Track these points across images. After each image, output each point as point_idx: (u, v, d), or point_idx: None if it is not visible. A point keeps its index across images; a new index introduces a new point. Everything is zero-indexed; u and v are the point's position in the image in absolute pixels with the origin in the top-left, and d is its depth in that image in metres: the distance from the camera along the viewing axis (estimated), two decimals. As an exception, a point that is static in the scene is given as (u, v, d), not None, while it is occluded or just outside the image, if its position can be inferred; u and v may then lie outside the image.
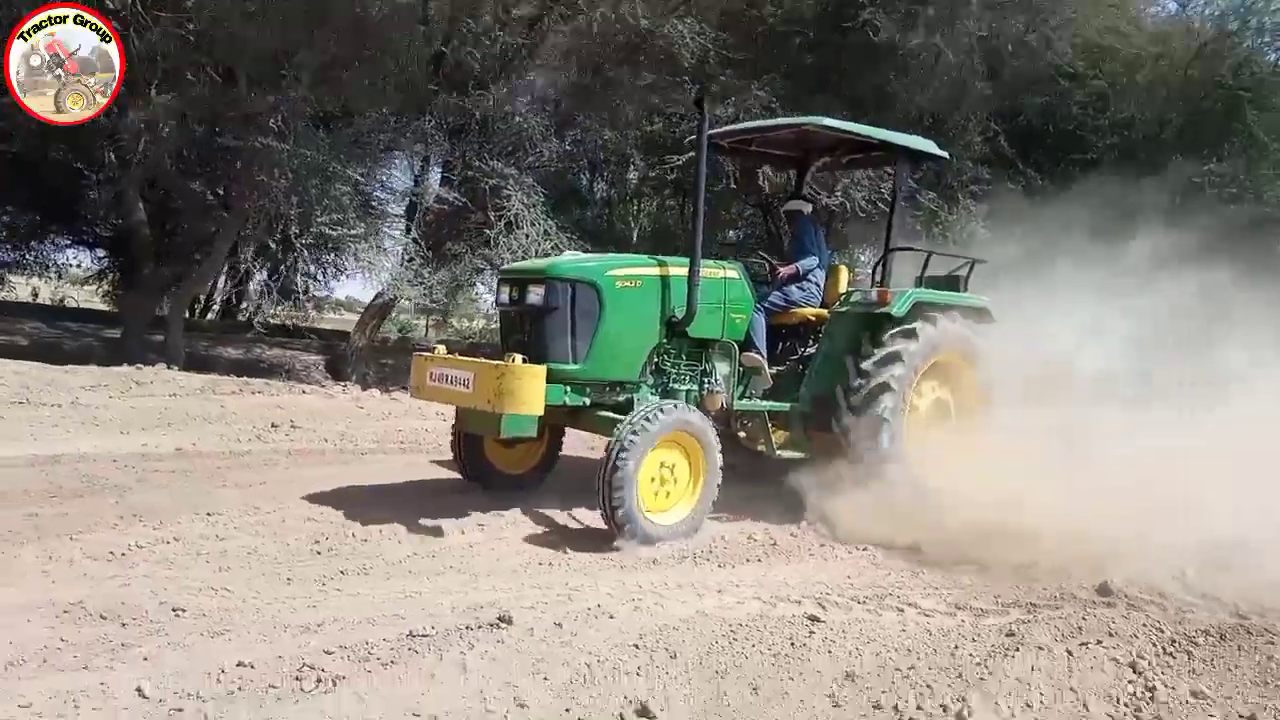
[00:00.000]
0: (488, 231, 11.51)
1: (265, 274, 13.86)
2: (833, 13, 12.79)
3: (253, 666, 3.14)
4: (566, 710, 3.02)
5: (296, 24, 10.05)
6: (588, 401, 5.50)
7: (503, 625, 3.57)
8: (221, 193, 10.66)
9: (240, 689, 3.01)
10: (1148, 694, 3.23)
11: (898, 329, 6.02)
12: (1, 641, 3.22)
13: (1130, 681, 3.34)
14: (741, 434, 6.21)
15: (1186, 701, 3.19)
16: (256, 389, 9.69)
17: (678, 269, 5.62)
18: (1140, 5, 14.92)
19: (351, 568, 4.49)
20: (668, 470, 5.21)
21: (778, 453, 6.10)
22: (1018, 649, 3.54)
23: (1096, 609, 4.13)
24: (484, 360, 5.25)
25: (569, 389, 5.35)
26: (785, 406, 6.14)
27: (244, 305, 18.05)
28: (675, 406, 5.24)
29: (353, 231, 10.48)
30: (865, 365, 5.95)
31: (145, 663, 3.16)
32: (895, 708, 3.06)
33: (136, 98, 10.40)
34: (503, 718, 2.95)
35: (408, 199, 12.68)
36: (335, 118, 10.98)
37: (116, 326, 13.61)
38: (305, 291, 12.31)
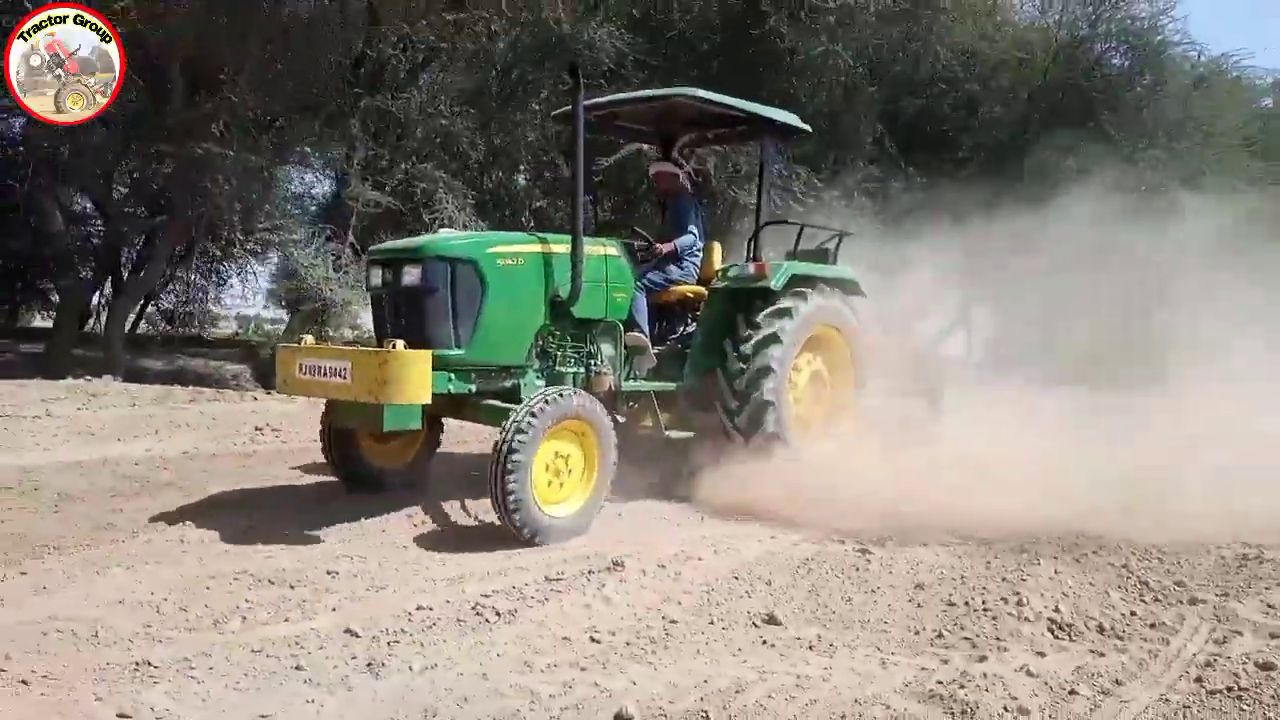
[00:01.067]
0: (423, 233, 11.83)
1: (189, 282, 13.64)
2: (739, 20, 13.70)
3: (431, 609, 3.66)
4: (710, 622, 3.67)
5: (231, 29, 10.14)
6: (473, 389, 5.25)
7: (618, 568, 4.19)
8: (162, 201, 10.55)
9: (434, 624, 3.52)
10: (1142, 585, 4.14)
11: (774, 308, 6.06)
12: (198, 605, 3.61)
13: (1124, 574, 4.26)
14: (620, 419, 5.97)
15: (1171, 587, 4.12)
16: (210, 398, 9.76)
17: (559, 246, 5.47)
18: (1005, 11, 16.40)
19: (451, 536, 4.93)
20: (562, 460, 5.00)
21: (667, 433, 6.12)
22: (1039, 560, 4.41)
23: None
24: (361, 348, 4.96)
25: (453, 376, 5.08)
26: (672, 386, 6.11)
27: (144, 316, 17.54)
28: (567, 394, 4.98)
29: (294, 236, 10.62)
30: (745, 348, 5.98)
31: (335, 613, 3.62)
32: (966, 603, 3.85)
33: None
34: (661, 630, 3.57)
35: (339, 202, 12.80)
36: (266, 123, 11.07)
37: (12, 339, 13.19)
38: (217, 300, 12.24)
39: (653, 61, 13.38)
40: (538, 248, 5.45)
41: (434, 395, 4.79)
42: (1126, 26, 15.66)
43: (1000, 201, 13.02)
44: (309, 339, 5.42)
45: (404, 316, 5.10)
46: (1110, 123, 15.54)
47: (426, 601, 3.70)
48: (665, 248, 6.29)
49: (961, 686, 3.00)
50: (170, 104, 10.28)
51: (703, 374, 6.14)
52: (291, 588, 3.88)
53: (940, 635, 3.51)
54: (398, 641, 3.33)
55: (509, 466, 4.56)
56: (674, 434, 6.18)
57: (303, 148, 11.53)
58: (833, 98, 14.41)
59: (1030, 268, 11.86)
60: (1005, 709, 2.85)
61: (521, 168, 14.70)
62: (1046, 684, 3.04)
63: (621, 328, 5.89)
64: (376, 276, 5.29)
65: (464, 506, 5.42)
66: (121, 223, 11.76)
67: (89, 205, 12.09)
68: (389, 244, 5.90)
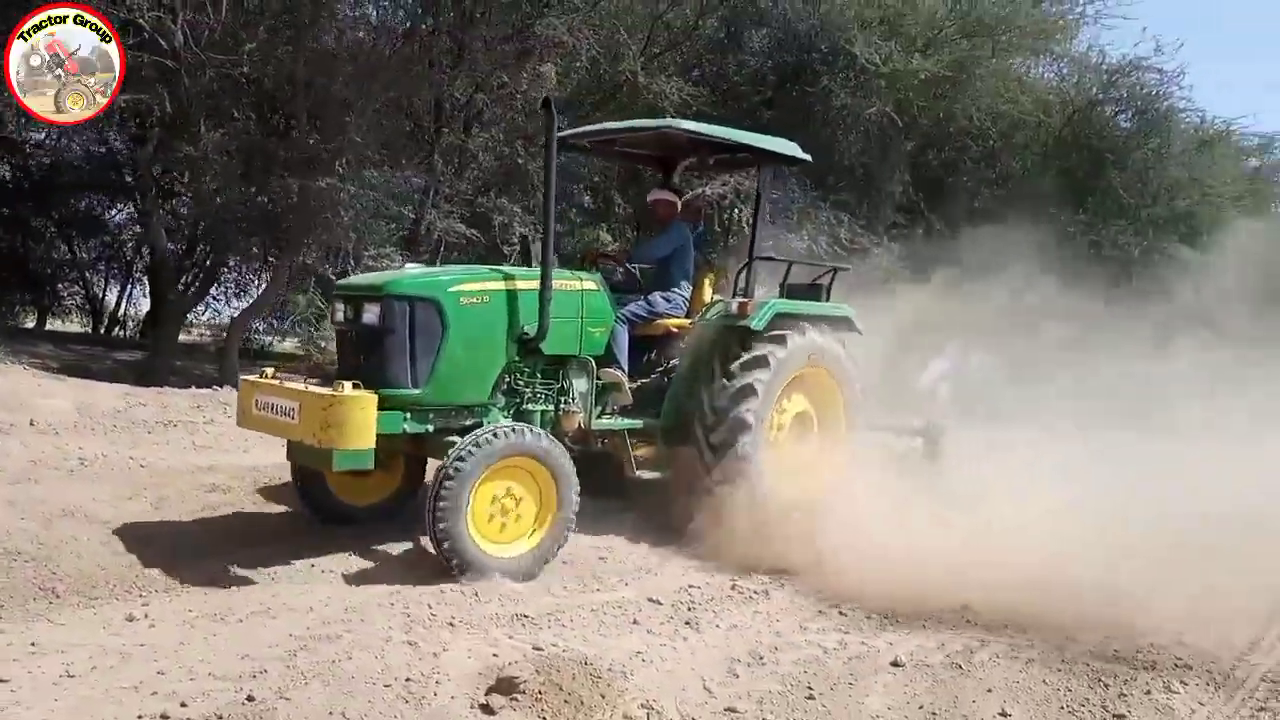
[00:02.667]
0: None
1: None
2: (792, 77, 15.09)
3: (696, 587, 4.91)
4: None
5: (348, 73, 11.36)
6: (431, 429, 5.22)
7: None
8: (281, 228, 11.67)
9: (711, 597, 4.76)
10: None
11: (750, 356, 6.02)
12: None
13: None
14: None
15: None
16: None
17: (528, 283, 5.42)
18: (1024, 72, 17.89)
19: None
20: (511, 500, 4.99)
21: (637, 473, 6.06)
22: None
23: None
24: (310, 389, 4.89)
25: (409, 415, 5.06)
26: (640, 424, 6.06)
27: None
28: (514, 431, 4.95)
29: (394, 264, 11.77)
30: (719, 401, 5.96)
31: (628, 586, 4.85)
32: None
33: (184, 132, 11.38)
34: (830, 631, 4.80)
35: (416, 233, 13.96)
36: (378, 160, 12.24)
37: (102, 347, 14.23)
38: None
39: (711, 111, 14.70)
40: (504, 285, 5.40)
41: (390, 435, 4.91)
42: (1136, 93, 17.19)
43: (1011, 250, 14.52)
44: (269, 372, 5.39)
45: (362, 354, 5.16)
46: (1118, 181, 17.12)
47: (694, 581, 4.93)
48: (619, 257, 6.53)
49: None
50: (291, 138, 11.40)
51: (679, 409, 6.14)
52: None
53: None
54: (695, 606, 4.56)
55: (442, 497, 4.65)
56: (644, 474, 6.12)
57: (399, 179, 12.64)
58: (869, 150, 15.84)
59: (1036, 314, 13.33)
60: None
61: (586, 202, 15.97)
62: None
63: (594, 364, 5.85)
64: (340, 312, 5.36)
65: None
66: (225, 244, 12.84)
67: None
68: (352, 279, 5.91)
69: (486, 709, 3.65)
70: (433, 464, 5.71)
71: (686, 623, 4.62)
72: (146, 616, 4.27)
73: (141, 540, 5.14)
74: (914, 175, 16.79)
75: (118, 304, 20.60)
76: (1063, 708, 3.91)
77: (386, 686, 3.71)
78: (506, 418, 5.50)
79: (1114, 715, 3.84)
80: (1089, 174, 17.32)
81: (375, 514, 5.84)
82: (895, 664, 4.26)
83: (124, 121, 12.27)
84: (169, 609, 4.42)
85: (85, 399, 8.65)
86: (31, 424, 7.46)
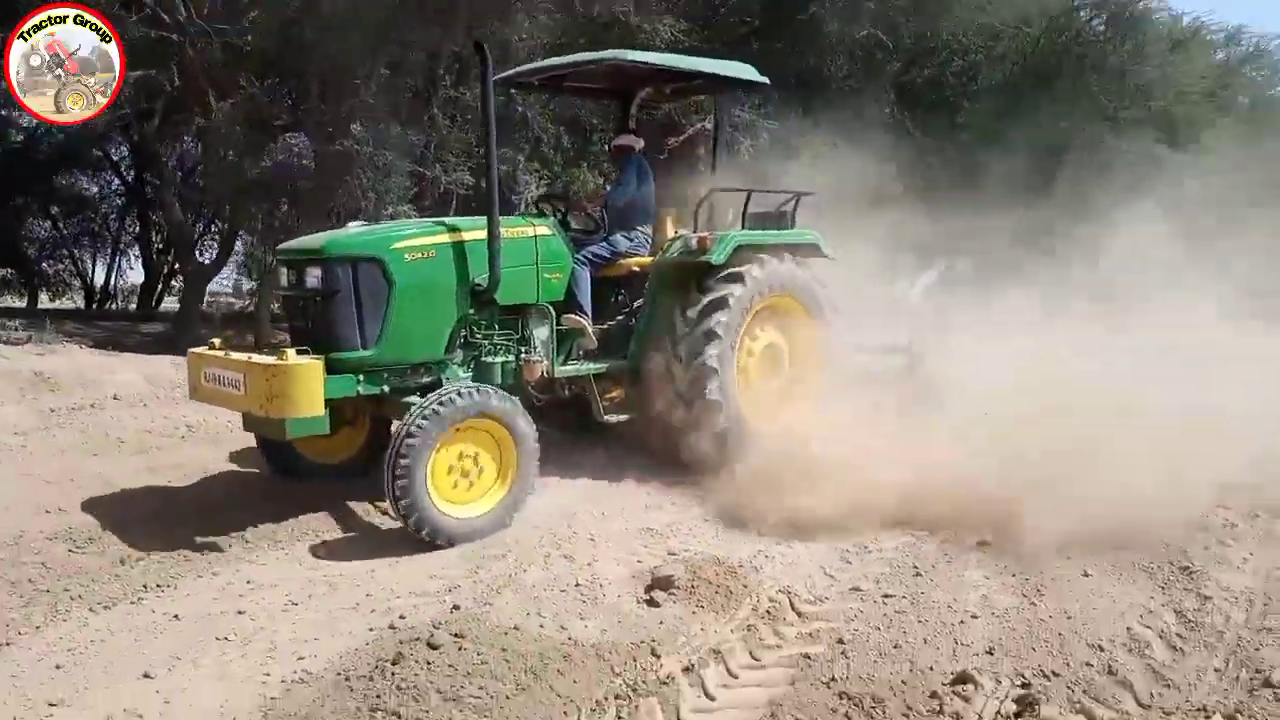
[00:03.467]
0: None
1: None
2: (775, 5, 15.37)
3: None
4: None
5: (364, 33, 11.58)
6: (386, 389, 5.16)
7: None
8: (299, 193, 11.97)
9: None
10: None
11: (708, 300, 5.91)
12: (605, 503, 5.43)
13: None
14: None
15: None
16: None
17: (476, 233, 5.30)
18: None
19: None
20: (470, 460, 4.94)
21: (605, 417, 5.99)
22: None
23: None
24: (254, 358, 4.79)
25: (361, 378, 5.00)
26: (604, 367, 6.01)
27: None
28: (473, 392, 4.89)
29: (411, 219, 12.14)
30: (690, 313, 5.89)
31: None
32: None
33: (193, 104, 11.60)
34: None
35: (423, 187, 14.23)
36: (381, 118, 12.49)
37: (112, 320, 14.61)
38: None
39: (701, 46, 14.98)
40: (449, 237, 5.28)
41: (344, 398, 4.90)
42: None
43: (996, 160, 15.10)
44: (216, 343, 5.27)
45: (310, 318, 5.07)
46: (1096, 85, 17.62)
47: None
48: (591, 201, 6.46)
49: None
50: (308, 104, 11.66)
51: (645, 350, 6.07)
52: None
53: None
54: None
55: (398, 471, 4.58)
56: (612, 418, 6.06)
57: (407, 137, 12.92)
58: (855, 73, 16.21)
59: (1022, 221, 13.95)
60: None
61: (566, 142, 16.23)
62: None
63: (553, 311, 5.78)
64: (284, 276, 5.31)
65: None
66: (242, 211, 13.11)
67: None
68: (293, 243, 5.62)
69: (651, 602, 4.30)
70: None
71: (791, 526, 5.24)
72: (330, 554, 4.86)
73: (289, 490, 5.63)
74: (899, 95, 17.20)
75: (107, 278, 20.73)
76: (1133, 564, 4.63)
77: (562, 591, 4.35)
78: (466, 372, 5.48)
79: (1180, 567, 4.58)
80: (1067, 80, 17.76)
81: (346, 471, 5.78)
82: (982, 543, 4.94)
83: (132, 98, 12.39)
84: (347, 546, 5.01)
85: (149, 371, 9.05)
86: (116, 398, 7.88)
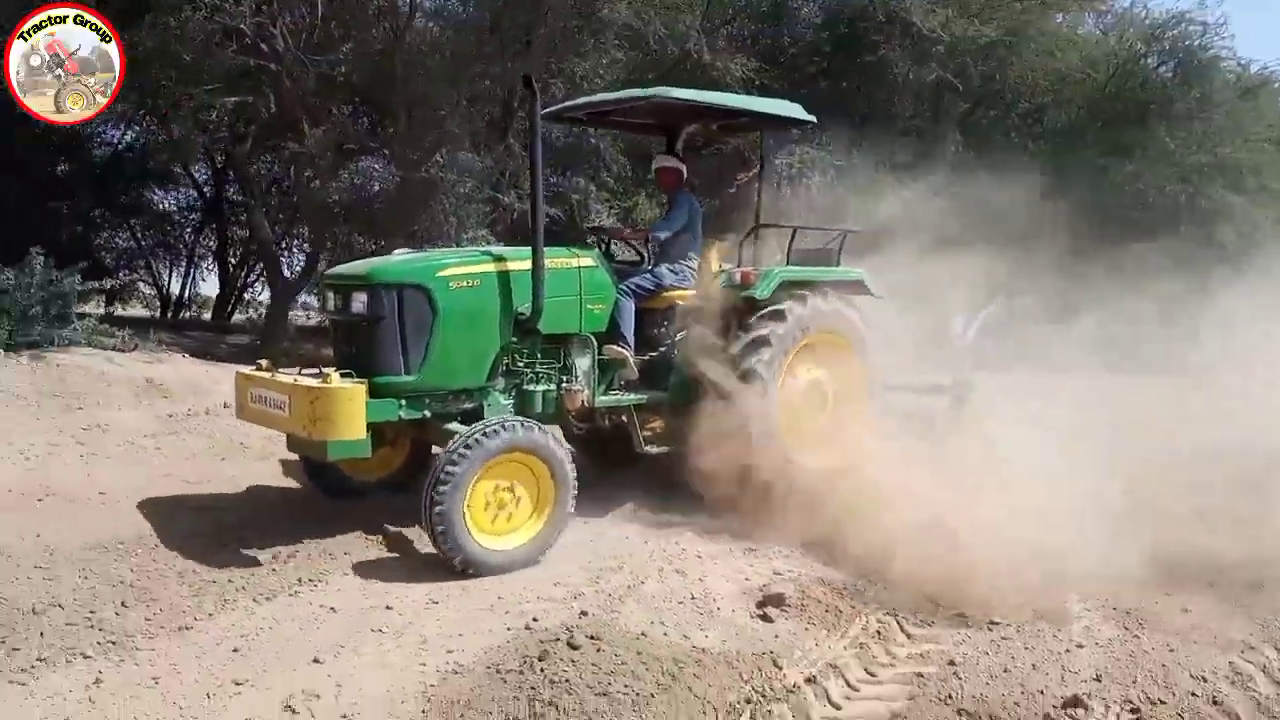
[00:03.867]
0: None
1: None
2: (847, 46, 15.72)
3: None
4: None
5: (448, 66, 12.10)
6: (428, 414, 5.23)
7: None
8: (384, 216, 12.51)
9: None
10: None
11: (765, 310, 5.93)
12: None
13: None
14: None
15: None
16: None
17: (520, 263, 5.35)
18: (1070, 28, 18.43)
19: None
20: (507, 492, 4.97)
21: (645, 448, 5.97)
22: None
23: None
24: (299, 381, 4.90)
25: (404, 402, 5.09)
26: (644, 399, 6.01)
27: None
28: (514, 425, 4.91)
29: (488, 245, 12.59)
30: (732, 348, 5.90)
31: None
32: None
33: (286, 129, 12.17)
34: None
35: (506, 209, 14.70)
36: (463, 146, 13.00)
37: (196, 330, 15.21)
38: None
39: (772, 84, 15.34)
40: (494, 266, 5.34)
41: (385, 422, 5.02)
42: (1179, 45, 17.73)
43: (1060, 201, 15.25)
44: (264, 364, 5.37)
45: (353, 343, 5.17)
46: (1164, 130, 17.72)
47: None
48: (635, 234, 6.49)
49: None
50: (396, 132, 12.19)
51: (686, 383, 6.03)
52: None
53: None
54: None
55: (437, 500, 4.64)
56: (653, 449, 6.05)
57: (483, 164, 13.41)
58: (921, 112, 16.51)
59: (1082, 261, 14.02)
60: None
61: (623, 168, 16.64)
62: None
63: (595, 341, 5.80)
64: (330, 301, 5.36)
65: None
66: (325, 231, 13.66)
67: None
68: (340, 268, 5.76)
69: (765, 617, 4.57)
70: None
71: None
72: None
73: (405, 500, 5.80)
74: (964, 134, 17.44)
75: (182, 289, 21.46)
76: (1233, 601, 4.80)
77: (680, 603, 4.64)
78: (507, 399, 5.54)
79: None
80: (1134, 125, 17.89)
81: (386, 488, 5.93)
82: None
83: (231, 122, 13.00)
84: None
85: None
86: (225, 406, 8.29)
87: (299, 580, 4.68)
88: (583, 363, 5.74)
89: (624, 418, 6.02)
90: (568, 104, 6.65)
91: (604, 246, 6.36)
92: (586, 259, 5.80)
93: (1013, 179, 17.33)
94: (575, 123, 7.41)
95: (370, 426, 4.84)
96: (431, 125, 12.13)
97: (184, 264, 20.91)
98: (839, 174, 15.04)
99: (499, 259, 5.37)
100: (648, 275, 6.18)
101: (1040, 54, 16.49)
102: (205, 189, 18.77)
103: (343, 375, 4.85)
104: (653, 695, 3.60)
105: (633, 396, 5.95)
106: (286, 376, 5.06)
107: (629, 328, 5.94)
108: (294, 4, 11.78)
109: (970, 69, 15.50)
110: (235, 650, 3.94)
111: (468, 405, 5.39)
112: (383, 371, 4.98)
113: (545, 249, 5.33)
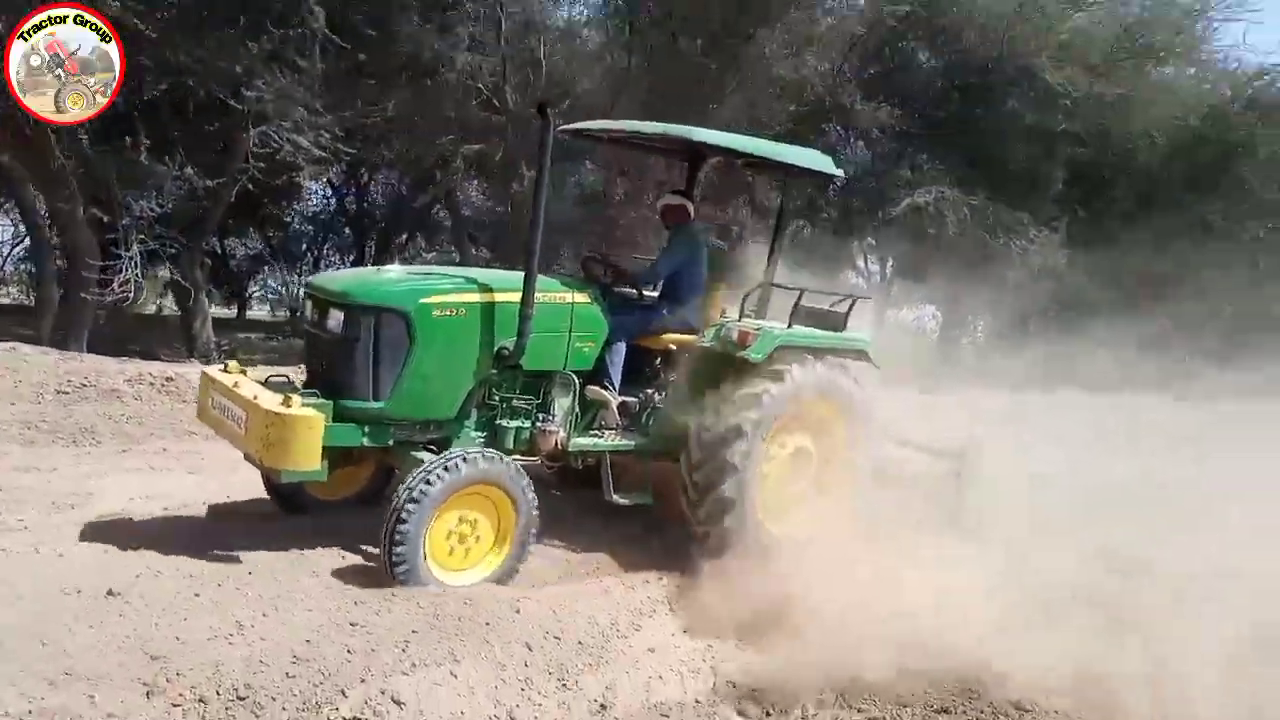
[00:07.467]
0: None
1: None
2: (975, 98, 17.32)
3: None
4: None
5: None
6: (391, 442, 5.10)
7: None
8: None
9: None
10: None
11: (742, 394, 5.59)
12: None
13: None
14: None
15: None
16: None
17: (509, 294, 5.12)
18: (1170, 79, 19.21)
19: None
20: (468, 525, 4.88)
21: (615, 497, 5.64)
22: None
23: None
24: (260, 399, 4.68)
25: (368, 429, 4.95)
26: (623, 445, 5.73)
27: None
28: (475, 458, 4.78)
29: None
30: (720, 406, 5.59)
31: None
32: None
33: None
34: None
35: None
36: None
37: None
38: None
39: (899, 128, 16.58)
40: (480, 296, 5.12)
41: (346, 448, 4.89)
42: (1267, 93, 18.77)
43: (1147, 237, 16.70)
44: (233, 365, 5.20)
45: (324, 361, 5.05)
46: (1248, 171, 18.43)
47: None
48: (621, 276, 5.96)
49: None
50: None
51: (666, 434, 5.77)
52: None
53: None
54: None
55: (397, 537, 4.56)
56: (621, 499, 5.67)
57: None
58: (1031, 155, 17.41)
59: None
60: None
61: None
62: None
63: (577, 380, 5.57)
64: (309, 311, 5.22)
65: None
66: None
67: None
68: (322, 279, 5.58)
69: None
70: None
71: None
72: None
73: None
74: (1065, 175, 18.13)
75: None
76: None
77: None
78: (478, 432, 5.38)
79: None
80: (1218, 166, 18.60)
81: (349, 505, 5.78)
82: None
83: (466, 167, 15.74)
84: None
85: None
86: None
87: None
88: (563, 402, 5.54)
89: (596, 462, 5.78)
90: (587, 124, 6.45)
91: (604, 276, 6.01)
92: (580, 295, 5.56)
93: (1107, 218, 18.81)
94: (592, 139, 7.21)
95: (331, 450, 4.76)
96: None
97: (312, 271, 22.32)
98: (972, 214, 16.17)
99: (486, 288, 5.17)
100: (642, 314, 5.96)
101: (1145, 103, 17.36)
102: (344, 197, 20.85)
103: (307, 393, 4.84)
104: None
105: (610, 444, 5.71)
106: (249, 388, 4.88)
107: (617, 370, 5.77)
108: (521, 66, 14.15)
109: (1095, 123, 16.83)
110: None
111: (435, 435, 5.27)
112: (350, 396, 4.86)
113: (540, 278, 5.19)
